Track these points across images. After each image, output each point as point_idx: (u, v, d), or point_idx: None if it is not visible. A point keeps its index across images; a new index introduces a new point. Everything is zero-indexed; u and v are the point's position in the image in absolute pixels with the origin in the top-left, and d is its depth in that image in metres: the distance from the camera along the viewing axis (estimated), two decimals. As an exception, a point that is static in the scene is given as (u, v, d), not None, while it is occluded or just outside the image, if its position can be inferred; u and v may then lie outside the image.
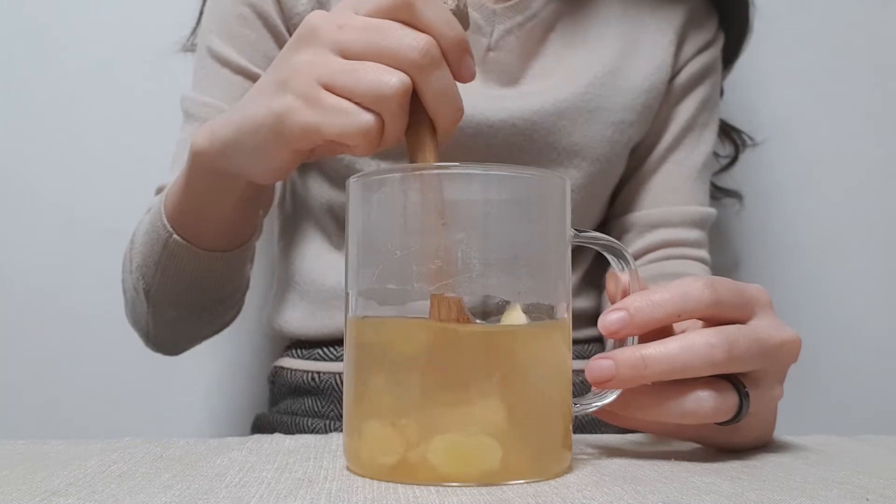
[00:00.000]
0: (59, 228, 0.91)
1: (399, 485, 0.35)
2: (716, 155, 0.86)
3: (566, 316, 0.38)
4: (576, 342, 0.71)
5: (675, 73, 0.74)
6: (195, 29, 0.77)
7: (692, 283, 0.40)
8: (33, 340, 0.91)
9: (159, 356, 0.89)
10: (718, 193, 0.89)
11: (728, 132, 0.87)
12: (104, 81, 0.92)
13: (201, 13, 0.74)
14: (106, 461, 0.39)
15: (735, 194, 0.91)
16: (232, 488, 0.34)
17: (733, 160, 0.88)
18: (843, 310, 0.96)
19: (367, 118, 0.42)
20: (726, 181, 0.90)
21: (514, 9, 0.68)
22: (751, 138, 0.88)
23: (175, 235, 0.57)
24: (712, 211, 0.75)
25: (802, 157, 0.96)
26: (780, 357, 0.41)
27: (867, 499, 0.33)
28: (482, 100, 0.66)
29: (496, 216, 0.36)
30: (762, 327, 0.41)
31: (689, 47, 0.74)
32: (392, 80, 0.41)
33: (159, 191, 0.69)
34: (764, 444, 0.46)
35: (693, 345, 0.38)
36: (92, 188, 0.91)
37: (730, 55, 0.79)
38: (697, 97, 0.75)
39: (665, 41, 0.72)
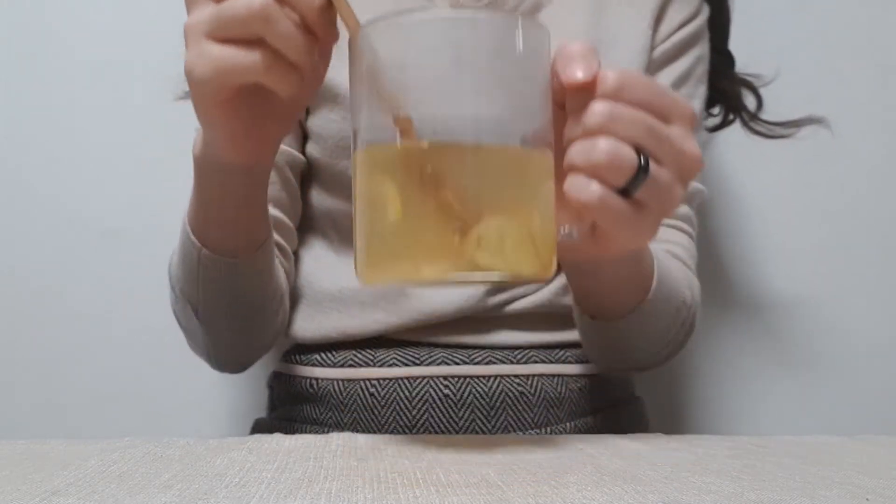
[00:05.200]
0: (59, 228, 0.91)
1: (399, 485, 0.35)
2: (740, 113, 0.83)
3: (550, 150, 0.41)
4: (574, 345, 0.71)
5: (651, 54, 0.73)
6: None
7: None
8: (33, 340, 0.91)
9: (158, 356, 0.90)
10: (788, 129, 0.82)
11: (743, 84, 0.83)
12: (105, 81, 0.92)
13: None
14: (106, 461, 0.39)
15: (811, 120, 0.82)
16: (232, 488, 0.34)
17: (759, 104, 0.83)
18: (843, 309, 0.96)
19: (250, 58, 0.41)
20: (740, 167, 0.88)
21: (488, 8, 0.68)
22: (755, 76, 0.83)
23: (204, 249, 0.57)
24: (698, 186, 0.73)
25: (803, 157, 0.95)
26: (682, 159, 0.42)
27: (867, 499, 0.33)
28: None
29: (476, 58, 0.39)
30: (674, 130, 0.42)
31: (666, 27, 0.73)
32: (251, 1, 0.40)
33: None
34: (637, 253, 0.53)
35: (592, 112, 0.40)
36: (92, 188, 0.91)
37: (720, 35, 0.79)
38: (673, 72, 0.73)
39: (643, 25, 0.71)
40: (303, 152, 0.72)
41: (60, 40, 0.92)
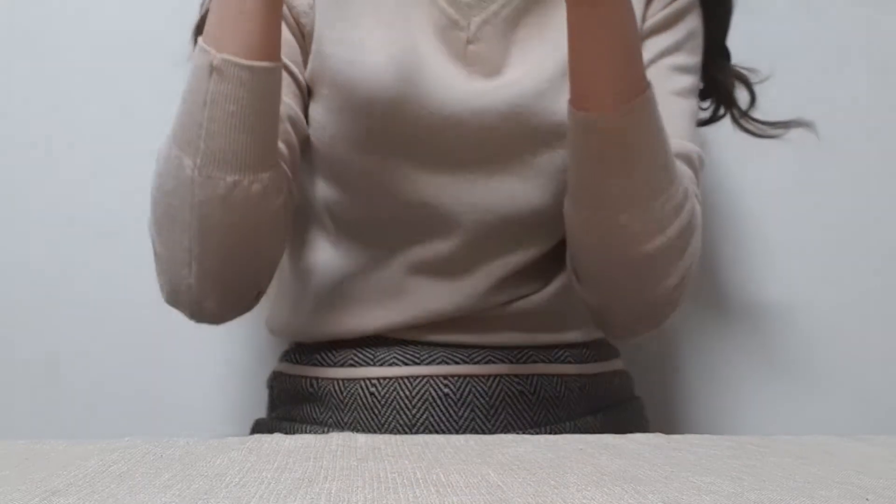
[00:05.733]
0: (59, 228, 0.91)
1: (399, 485, 0.35)
2: (731, 108, 0.81)
3: None
4: (573, 346, 0.71)
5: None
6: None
7: None
8: (33, 340, 0.91)
9: (158, 356, 0.90)
10: (776, 129, 0.81)
11: (737, 77, 0.81)
12: (105, 79, 0.92)
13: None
14: (106, 461, 0.39)
15: (799, 123, 0.80)
16: (232, 488, 0.34)
17: (752, 100, 0.81)
18: (843, 309, 0.96)
19: None
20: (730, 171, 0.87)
21: None
22: (750, 69, 0.81)
23: (219, 54, 0.57)
24: (693, 147, 0.70)
25: (800, 158, 0.96)
26: None
27: (867, 499, 0.33)
28: (468, 94, 0.66)
29: None
30: None
31: (657, 4, 0.72)
32: None
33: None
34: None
35: None
36: (92, 188, 0.91)
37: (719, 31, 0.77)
38: (663, 41, 0.71)
39: (640, 9, 0.70)
40: (306, 117, 0.70)
41: (60, 38, 0.92)
